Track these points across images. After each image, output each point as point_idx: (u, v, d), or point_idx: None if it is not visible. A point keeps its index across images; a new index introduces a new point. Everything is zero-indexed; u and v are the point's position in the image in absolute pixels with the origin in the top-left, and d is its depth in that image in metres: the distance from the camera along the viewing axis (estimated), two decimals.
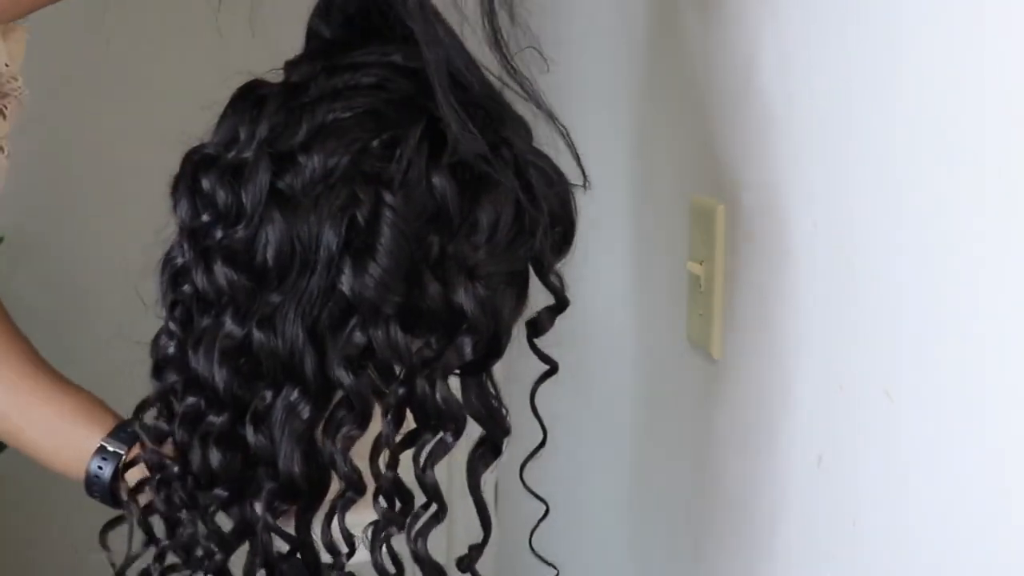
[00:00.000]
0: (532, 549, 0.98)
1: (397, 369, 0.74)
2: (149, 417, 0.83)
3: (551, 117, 0.81)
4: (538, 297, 0.87)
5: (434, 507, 0.79)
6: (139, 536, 0.85)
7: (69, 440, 0.91)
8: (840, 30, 0.73)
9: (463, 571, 0.86)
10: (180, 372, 0.79)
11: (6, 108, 0.91)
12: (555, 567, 0.98)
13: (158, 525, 0.84)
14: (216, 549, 0.80)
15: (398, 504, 0.78)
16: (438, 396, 0.75)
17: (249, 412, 0.74)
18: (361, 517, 0.80)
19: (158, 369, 0.82)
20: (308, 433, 0.74)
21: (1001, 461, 0.56)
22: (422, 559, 0.80)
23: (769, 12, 0.84)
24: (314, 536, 0.79)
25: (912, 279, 0.64)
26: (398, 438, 0.76)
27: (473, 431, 0.84)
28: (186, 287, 0.76)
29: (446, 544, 1.55)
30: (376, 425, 0.76)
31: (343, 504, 0.76)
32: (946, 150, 0.60)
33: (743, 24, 0.89)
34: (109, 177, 1.89)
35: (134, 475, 0.86)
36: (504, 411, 0.83)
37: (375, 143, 0.72)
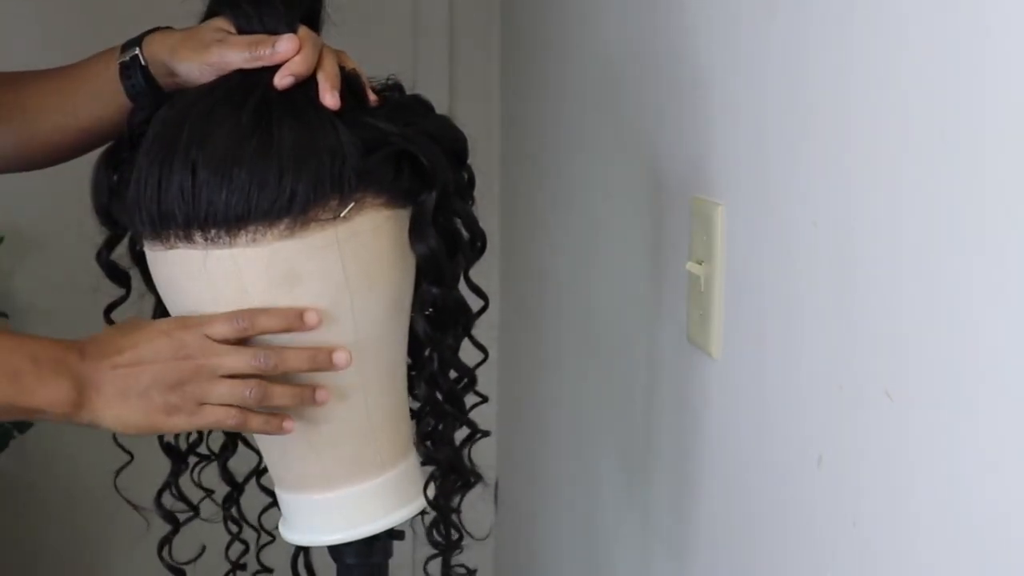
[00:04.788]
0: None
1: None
2: None
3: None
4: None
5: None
6: None
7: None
8: (840, 29, 0.73)
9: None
10: None
11: None
12: None
13: None
14: None
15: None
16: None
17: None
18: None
19: None
20: None
21: (1001, 461, 0.56)
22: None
23: (769, 11, 0.84)
24: None
25: (912, 279, 0.64)
26: None
27: None
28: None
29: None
30: None
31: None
32: (946, 149, 0.60)
33: (743, 24, 0.89)
34: None
35: None
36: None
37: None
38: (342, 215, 0.89)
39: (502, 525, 2.10)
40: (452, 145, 0.98)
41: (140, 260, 1.00)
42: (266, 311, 0.90)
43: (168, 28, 1.02)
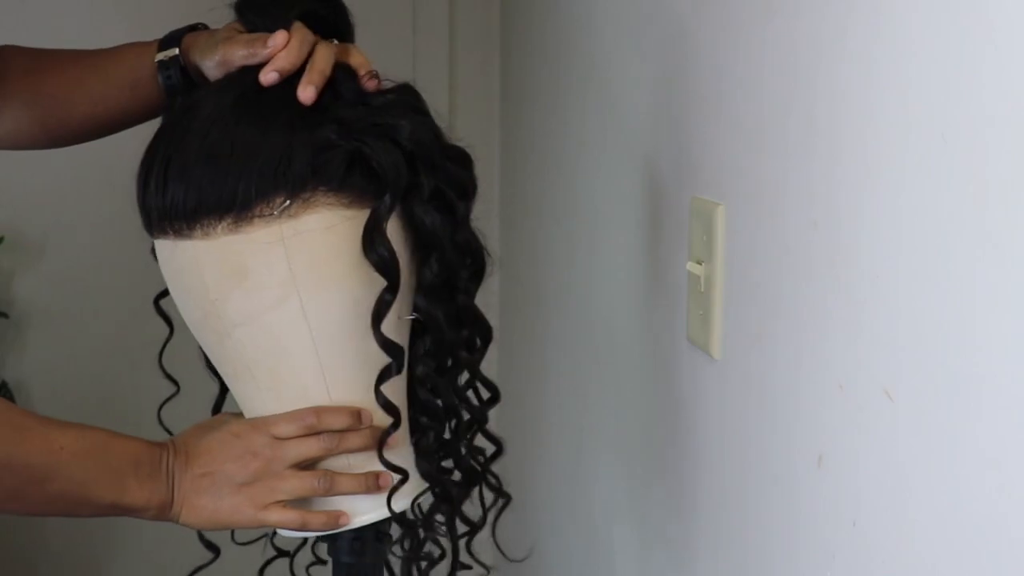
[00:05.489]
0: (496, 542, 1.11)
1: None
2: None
3: None
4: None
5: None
6: None
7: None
8: (840, 29, 0.73)
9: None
10: None
11: None
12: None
13: None
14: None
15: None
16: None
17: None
18: None
19: None
20: None
21: (1001, 461, 0.56)
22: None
23: (768, 11, 0.84)
24: None
25: (912, 279, 0.64)
26: None
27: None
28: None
29: None
30: None
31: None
32: (947, 150, 0.60)
33: (743, 23, 0.89)
34: (110, 177, 1.89)
35: None
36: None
37: None
38: (277, 212, 0.90)
39: (502, 525, 2.10)
40: (421, 150, 0.95)
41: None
42: (330, 409, 0.96)
43: (202, 26, 1.07)
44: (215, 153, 0.91)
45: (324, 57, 0.96)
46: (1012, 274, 0.54)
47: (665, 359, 1.11)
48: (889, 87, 0.66)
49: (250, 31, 0.99)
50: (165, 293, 1.03)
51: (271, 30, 0.96)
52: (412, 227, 0.96)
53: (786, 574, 0.84)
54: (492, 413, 1.06)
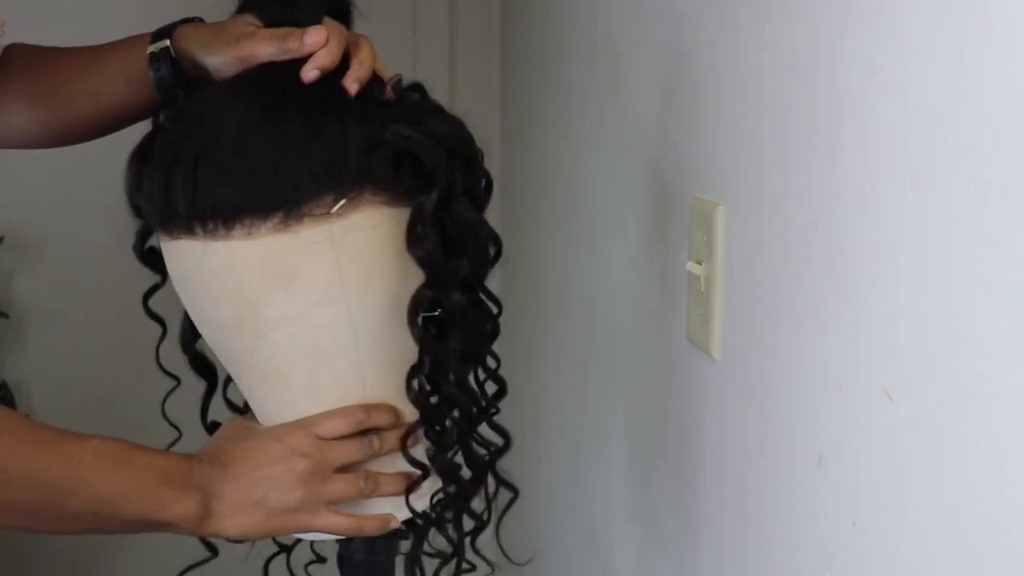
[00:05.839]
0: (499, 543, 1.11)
1: None
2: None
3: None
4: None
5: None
6: None
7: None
8: (840, 29, 0.73)
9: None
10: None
11: None
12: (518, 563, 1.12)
13: None
14: None
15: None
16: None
17: None
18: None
19: None
20: None
21: (1001, 461, 0.56)
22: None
23: (768, 11, 0.84)
24: None
25: (912, 279, 0.64)
26: None
27: None
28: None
29: None
30: None
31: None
32: (947, 150, 0.60)
33: (743, 23, 0.89)
34: (110, 177, 1.89)
35: None
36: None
37: None
38: (334, 211, 0.89)
39: (503, 524, 2.10)
40: (460, 148, 0.97)
41: (148, 254, 1.01)
42: (377, 407, 0.95)
43: (198, 20, 1.04)
44: (260, 150, 0.88)
45: (369, 53, 0.95)
46: (1012, 274, 0.54)
47: (665, 359, 1.11)
48: (889, 87, 0.66)
49: (268, 25, 0.97)
50: (153, 292, 1.01)
51: (298, 25, 0.94)
52: (437, 223, 0.95)
53: (786, 574, 0.84)
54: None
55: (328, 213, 0.89)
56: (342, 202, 0.89)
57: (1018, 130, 0.54)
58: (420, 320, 0.94)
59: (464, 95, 2.20)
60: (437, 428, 1.02)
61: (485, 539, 1.09)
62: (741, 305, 0.91)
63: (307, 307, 0.91)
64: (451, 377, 0.99)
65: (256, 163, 0.88)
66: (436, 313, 0.96)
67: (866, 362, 0.70)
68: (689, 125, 1.02)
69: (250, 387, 0.98)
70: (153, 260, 1.01)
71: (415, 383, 0.96)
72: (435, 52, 2.24)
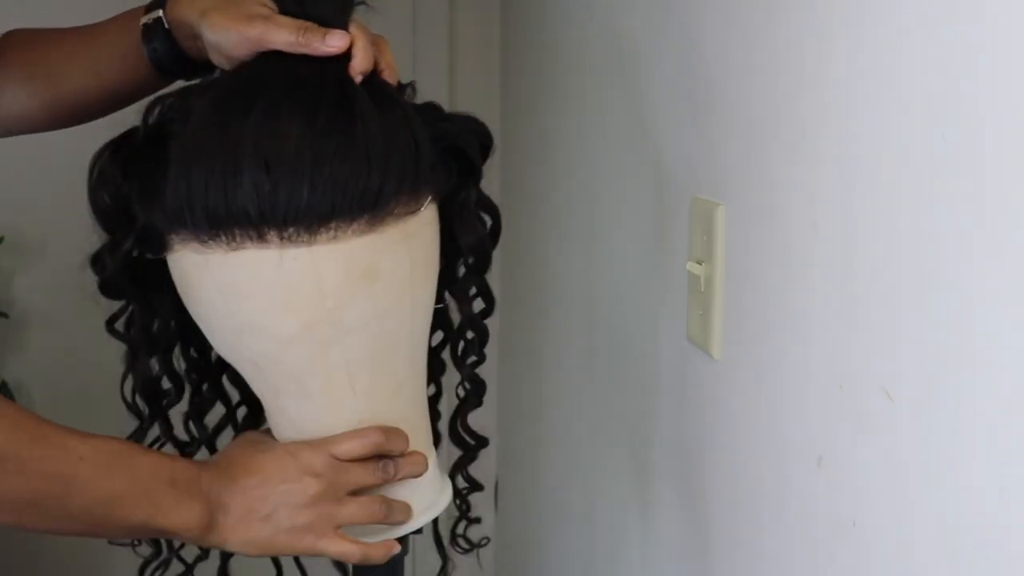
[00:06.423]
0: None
1: None
2: None
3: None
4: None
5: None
6: None
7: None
8: (840, 29, 0.73)
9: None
10: None
11: None
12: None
13: None
14: None
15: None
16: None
17: None
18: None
19: None
20: None
21: (1001, 461, 0.56)
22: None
23: (768, 11, 0.84)
24: None
25: (912, 279, 0.64)
26: None
27: None
28: None
29: None
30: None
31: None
32: (947, 150, 0.60)
33: (743, 24, 0.89)
34: None
35: None
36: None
37: None
38: (422, 209, 0.90)
39: (502, 525, 2.10)
40: (487, 141, 1.02)
41: (131, 267, 0.97)
42: (394, 431, 0.93)
43: None
44: (346, 151, 0.85)
45: (390, 52, 0.97)
46: (1012, 274, 0.54)
47: (665, 359, 1.11)
48: (889, 87, 0.66)
49: (285, 12, 0.91)
50: (116, 319, 0.99)
51: (313, 17, 0.91)
52: (472, 211, 1.00)
53: (786, 574, 0.84)
54: (491, 411, 1.08)
55: (408, 212, 0.88)
56: (428, 199, 0.91)
57: (1018, 130, 0.54)
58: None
59: (464, 95, 2.19)
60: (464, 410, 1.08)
61: (477, 534, 1.10)
62: (741, 305, 0.91)
63: (383, 309, 0.89)
64: (477, 357, 1.07)
65: (341, 167, 0.84)
66: (440, 306, 0.99)
67: (866, 362, 0.70)
68: (689, 125, 1.02)
69: (295, 397, 0.92)
70: (116, 284, 0.99)
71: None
72: (435, 52, 2.23)
